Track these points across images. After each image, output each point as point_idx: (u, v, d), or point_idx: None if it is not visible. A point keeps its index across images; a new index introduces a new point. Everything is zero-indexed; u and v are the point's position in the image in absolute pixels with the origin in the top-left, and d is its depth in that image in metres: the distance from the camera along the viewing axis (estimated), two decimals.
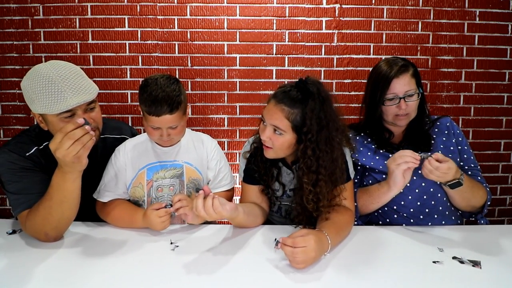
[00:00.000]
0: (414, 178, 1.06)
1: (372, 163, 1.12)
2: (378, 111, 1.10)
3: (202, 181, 1.17)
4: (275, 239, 0.78)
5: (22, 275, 0.75)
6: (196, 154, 1.15)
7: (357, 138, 1.18)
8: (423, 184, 1.06)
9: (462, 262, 0.82)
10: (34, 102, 0.89)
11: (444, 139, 1.13)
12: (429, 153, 0.96)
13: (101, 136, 1.13)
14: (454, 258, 0.84)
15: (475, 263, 0.80)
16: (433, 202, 1.06)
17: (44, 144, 1.03)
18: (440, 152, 1.07)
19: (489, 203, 1.08)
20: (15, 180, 0.95)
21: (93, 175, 0.98)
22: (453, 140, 1.13)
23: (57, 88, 0.87)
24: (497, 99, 1.83)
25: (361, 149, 1.15)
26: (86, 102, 0.91)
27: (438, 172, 0.93)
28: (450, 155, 1.07)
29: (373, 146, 1.15)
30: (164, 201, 1.11)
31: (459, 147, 1.13)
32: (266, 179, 1.05)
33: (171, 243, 0.92)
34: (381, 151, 1.13)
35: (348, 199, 1.02)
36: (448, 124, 1.16)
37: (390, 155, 1.11)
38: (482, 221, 1.10)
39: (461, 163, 1.11)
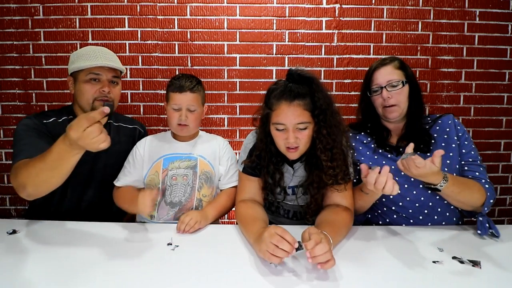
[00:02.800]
0: (412, 179, 1.06)
1: (370, 163, 1.12)
2: (369, 106, 1.15)
3: (214, 175, 1.23)
4: (298, 243, 0.77)
5: (22, 275, 0.75)
6: (210, 150, 1.25)
7: (357, 137, 1.18)
8: (421, 186, 1.05)
9: (462, 262, 0.82)
10: (73, 62, 1.13)
11: (445, 136, 1.11)
12: (411, 154, 0.91)
13: (115, 124, 1.29)
14: (454, 258, 0.84)
15: (475, 263, 0.80)
16: (430, 204, 1.06)
17: (63, 118, 1.18)
18: None
19: (491, 200, 1.01)
20: (25, 137, 1.06)
21: (100, 157, 1.16)
22: (455, 138, 1.10)
23: (94, 53, 1.14)
24: (497, 99, 1.83)
25: (360, 148, 1.15)
26: (110, 66, 1.14)
27: (413, 165, 0.89)
28: (450, 154, 1.07)
29: (372, 146, 1.15)
30: (178, 188, 1.18)
31: (458, 143, 1.10)
32: (269, 185, 1.06)
33: (169, 244, 0.92)
34: (380, 150, 1.13)
35: (347, 198, 1.03)
36: (450, 122, 1.13)
37: (389, 155, 1.11)
38: (480, 218, 1.02)
39: (459, 158, 1.09)
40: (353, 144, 1.15)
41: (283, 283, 0.74)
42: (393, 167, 1.07)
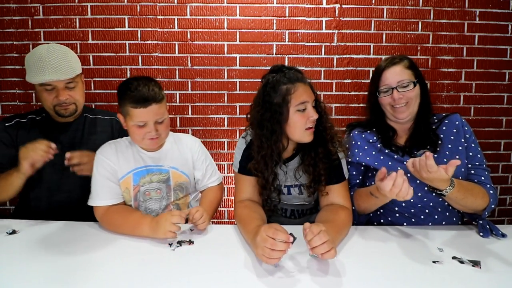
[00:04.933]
0: (418, 181, 1.03)
1: (376, 163, 1.10)
2: (377, 106, 1.13)
3: (189, 184, 1.17)
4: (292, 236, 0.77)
5: (22, 275, 0.75)
6: (181, 158, 1.15)
7: (363, 135, 1.17)
8: (426, 188, 1.04)
9: (462, 262, 0.81)
10: (27, 72, 1.14)
11: (452, 137, 1.08)
12: (423, 151, 0.91)
13: (92, 117, 1.32)
14: (454, 258, 0.83)
15: (475, 263, 0.80)
16: (431, 204, 1.06)
17: (28, 117, 1.25)
18: (447, 153, 1.05)
19: (493, 206, 1.00)
20: None
21: (75, 148, 1.18)
22: (462, 139, 1.08)
23: (41, 65, 1.10)
24: (497, 99, 1.83)
25: (366, 147, 1.14)
26: (61, 80, 1.14)
27: (426, 169, 0.88)
28: (457, 156, 1.05)
29: (378, 145, 1.13)
30: (152, 203, 1.12)
31: (466, 144, 1.07)
32: (267, 185, 1.06)
33: (170, 244, 0.92)
34: (386, 151, 1.11)
35: (344, 197, 1.05)
36: (457, 122, 1.10)
37: (396, 156, 1.09)
38: (480, 221, 1.02)
39: (466, 161, 1.07)
40: (359, 142, 1.15)
41: (284, 282, 0.74)
42: (399, 168, 1.05)
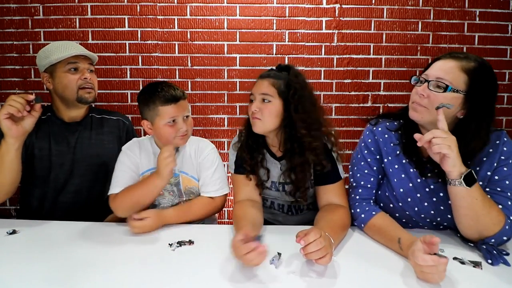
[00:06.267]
0: (434, 199, 0.95)
1: (390, 170, 0.99)
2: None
3: (199, 188, 1.18)
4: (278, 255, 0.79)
5: (22, 275, 0.75)
6: (192, 163, 1.17)
7: (386, 135, 1.01)
8: (432, 212, 0.97)
9: (463, 262, 0.81)
10: (48, 57, 1.16)
11: (484, 159, 0.88)
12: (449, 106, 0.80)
13: (98, 116, 1.32)
14: (455, 258, 0.83)
15: (476, 264, 0.80)
16: (442, 227, 1.01)
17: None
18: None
19: (505, 238, 0.82)
20: None
21: (82, 147, 1.22)
22: (495, 164, 0.86)
23: (70, 44, 1.19)
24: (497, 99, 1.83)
25: (385, 148, 1.01)
26: (86, 55, 1.20)
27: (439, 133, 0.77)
28: (480, 183, 0.85)
29: (398, 151, 0.98)
30: (166, 202, 1.15)
31: (495, 164, 0.86)
32: (252, 164, 1.08)
33: (170, 244, 0.92)
34: (403, 161, 0.97)
35: (340, 196, 1.05)
36: (498, 141, 0.88)
37: (412, 170, 0.96)
38: (484, 246, 0.83)
39: (486, 183, 0.87)
40: (381, 139, 1.02)
41: (284, 283, 0.74)
42: (410, 185, 0.96)
